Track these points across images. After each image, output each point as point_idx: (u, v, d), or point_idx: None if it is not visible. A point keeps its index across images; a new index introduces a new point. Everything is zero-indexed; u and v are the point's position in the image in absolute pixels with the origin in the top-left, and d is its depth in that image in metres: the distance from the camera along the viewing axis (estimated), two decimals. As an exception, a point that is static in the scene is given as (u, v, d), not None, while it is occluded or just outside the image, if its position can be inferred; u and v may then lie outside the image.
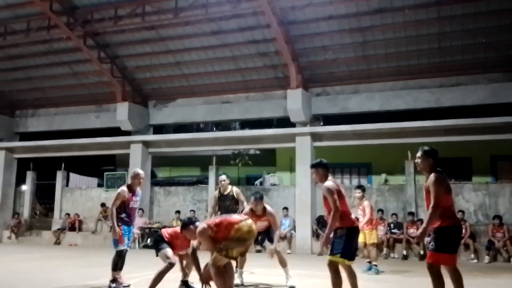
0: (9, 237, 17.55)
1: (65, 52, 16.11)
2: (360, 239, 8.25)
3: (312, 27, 13.51)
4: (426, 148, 5.12)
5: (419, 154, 5.10)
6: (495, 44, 12.91)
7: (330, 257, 5.17)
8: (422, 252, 12.39)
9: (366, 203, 9.24)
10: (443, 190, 4.84)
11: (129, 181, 7.25)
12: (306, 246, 13.83)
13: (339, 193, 5.27)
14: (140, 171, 7.16)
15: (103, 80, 16.65)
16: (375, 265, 9.01)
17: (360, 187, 9.62)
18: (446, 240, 4.81)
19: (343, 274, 5.18)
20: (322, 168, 5.53)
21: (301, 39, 13.88)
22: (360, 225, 8.29)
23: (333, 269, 5.11)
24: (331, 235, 5.23)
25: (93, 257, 11.78)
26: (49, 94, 18.21)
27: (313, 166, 5.63)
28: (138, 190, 7.07)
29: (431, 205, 4.79)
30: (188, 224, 5.66)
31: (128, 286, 6.81)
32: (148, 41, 15.13)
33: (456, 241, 4.99)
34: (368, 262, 9.12)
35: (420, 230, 4.98)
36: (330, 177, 5.50)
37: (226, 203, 8.00)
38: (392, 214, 13.39)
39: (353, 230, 5.30)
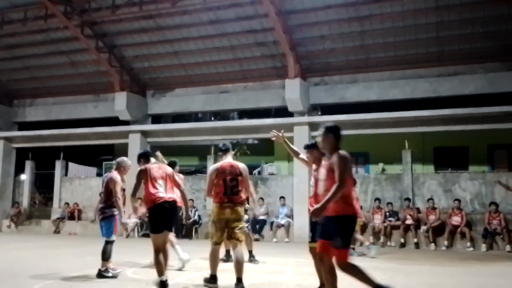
0: (9, 226, 17.62)
1: (62, 42, 16.06)
2: None
3: (310, 16, 13.48)
4: (328, 124, 4.67)
5: (320, 131, 4.64)
6: (492, 33, 12.92)
7: (311, 243, 5.19)
8: (416, 241, 12.54)
9: None
10: (350, 171, 4.42)
11: (115, 169, 7.07)
12: (304, 235, 13.87)
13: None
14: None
15: (101, 70, 16.62)
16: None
17: None
18: (349, 232, 4.43)
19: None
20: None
21: (299, 29, 13.86)
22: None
23: (313, 254, 5.13)
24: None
25: (92, 246, 11.84)
26: (47, 84, 18.18)
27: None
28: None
29: (337, 183, 4.26)
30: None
31: (120, 271, 6.89)
32: (146, 31, 15.08)
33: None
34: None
35: (318, 206, 4.32)
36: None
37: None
38: (388, 203, 13.47)
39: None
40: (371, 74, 14.57)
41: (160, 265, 5.52)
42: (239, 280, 5.50)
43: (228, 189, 5.73)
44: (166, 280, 5.52)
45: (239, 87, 16.03)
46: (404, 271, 7.81)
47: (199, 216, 14.99)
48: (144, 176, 5.89)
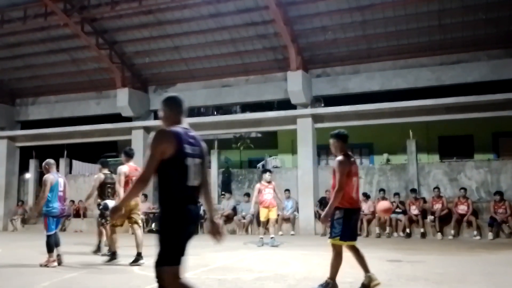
0: (13, 230, 17.54)
1: (63, 39, 16.02)
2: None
3: (311, 7, 13.38)
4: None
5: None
6: (495, 20, 12.79)
7: (330, 239, 5.20)
8: (422, 230, 12.50)
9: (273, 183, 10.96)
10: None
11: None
12: (309, 227, 13.92)
13: (349, 171, 5.19)
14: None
15: (102, 67, 16.59)
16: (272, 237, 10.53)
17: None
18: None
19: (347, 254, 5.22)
20: (339, 140, 5.38)
21: (300, 20, 13.76)
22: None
23: (336, 250, 5.14)
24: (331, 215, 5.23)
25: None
26: (48, 82, 18.15)
27: (332, 136, 5.43)
28: None
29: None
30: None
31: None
32: (146, 26, 15.02)
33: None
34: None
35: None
36: (347, 153, 5.34)
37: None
38: (395, 194, 13.40)
39: (350, 212, 5.19)
40: (373, 64, 14.48)
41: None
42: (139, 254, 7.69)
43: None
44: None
45: (241, 80, 15.97)
46: (410, 261, 7.78)
47: (204, 211, 14.94)
48: None
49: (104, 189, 8.89)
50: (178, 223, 3.23)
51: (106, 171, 9.11)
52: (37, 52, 16.86)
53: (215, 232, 3.50)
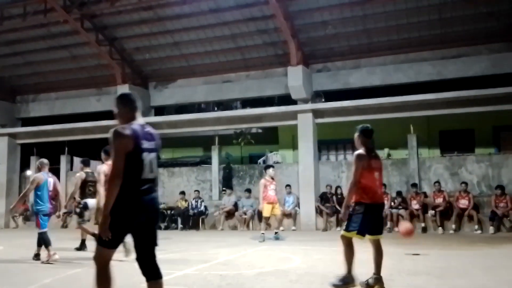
0: (15, 227, 17.59)
1: (63, 36, 15.99)
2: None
3: (311, 1, 13.33)
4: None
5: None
6: (496, 13, 12.74)
7: (345, 232, 5.11)
8: (423, 225, 12.51)
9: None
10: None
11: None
12: (311, 223, 13.93)
13: (369, 165, 5.13)
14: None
15: (102, 63, 16.56)
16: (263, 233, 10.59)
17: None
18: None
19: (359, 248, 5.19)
20: (360, 135, 5.38)
21: (300, 15, 13.72)
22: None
23: (346, 242, 5.10)
24: (350, 208, 5.17)
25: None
26: (49, 79, 18.14)
27: (356, 130, 5.43)
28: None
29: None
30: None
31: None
32: (145, 22, 14.99)
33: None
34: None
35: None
36: (368, 147, 5.29)
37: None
38: (397, 193, 13.26)
39: (372, 207, 5.07)
40: (374, 59, 14.45)
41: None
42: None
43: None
44: None
45: (242, 76, 15.94)
46: (411, 256, 7.79)
47: (205, 207, 15.01)
48: None
49: (85, 188, 8.95)
50: (126, 213, 3.46)
51: (87, 169, 9.15)
52: (37, 49, 16.83)
53: None
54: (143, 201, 3.51)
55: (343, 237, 5.13)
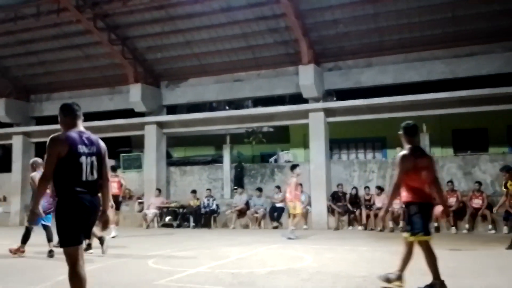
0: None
1: (75, 35, 16.12)
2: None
3: (322, 0, 13.29)
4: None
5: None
6: (510, 11, 12.56)
7: (413, 237, 5.00)
8: (436, 224, 12.41)
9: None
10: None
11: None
12: (322, 221, 13.91)
13: (414, 166, 4.97)
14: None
15: (115, 62, 16.68)
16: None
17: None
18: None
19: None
20: (403, 133, 5.20)
21: (311, 13, 13.69)
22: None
23: (425, 247, 5.02)
24: (408, 211, 5.10)
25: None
26: (62, 78, 18.31)
27: (400, 128, 5.26)
28: None
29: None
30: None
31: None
32: (157, 21, 15.06)
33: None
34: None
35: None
36: (413, 146, 5.12)
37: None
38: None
39: (424, 206, 5.02)
40: (386, 57, 14.35)
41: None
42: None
43: None
44: None
45: (253, 75, 15.96)
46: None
47: (217, 205, 15.06)
48: None
49: None
50: (70, 212, 3.80)
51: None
52: (51, 49, 16.99)
53: (103, 221, 4.09)
54: (82, 200, 3.83)
55: (420, 243, 5.01)
